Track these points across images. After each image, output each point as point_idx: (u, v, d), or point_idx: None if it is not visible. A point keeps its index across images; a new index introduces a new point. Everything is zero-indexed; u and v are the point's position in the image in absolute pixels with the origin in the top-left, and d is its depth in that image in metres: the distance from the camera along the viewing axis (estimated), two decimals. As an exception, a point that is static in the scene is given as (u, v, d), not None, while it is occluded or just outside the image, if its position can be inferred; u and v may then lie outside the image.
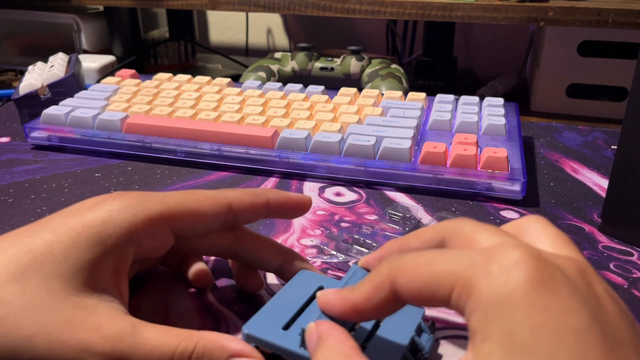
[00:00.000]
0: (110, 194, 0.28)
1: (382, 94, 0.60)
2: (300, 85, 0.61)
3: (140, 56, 0.86)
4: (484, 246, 0.22)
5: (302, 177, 0.49)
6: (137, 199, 0.28)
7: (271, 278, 0.35)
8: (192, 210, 0.29)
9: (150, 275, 0.34)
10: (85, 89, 0.62)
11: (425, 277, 0.22)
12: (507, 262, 0.20)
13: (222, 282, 0.35)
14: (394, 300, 0.23)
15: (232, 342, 0.25)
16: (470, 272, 0.20)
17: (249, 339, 0.26)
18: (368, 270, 0.27)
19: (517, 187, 0.45)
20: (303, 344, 0.24)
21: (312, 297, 0.28)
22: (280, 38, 1.06)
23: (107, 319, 0.24)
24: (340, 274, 0.36)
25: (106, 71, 0.76)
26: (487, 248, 0.21)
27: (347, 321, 0.25)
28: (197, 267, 0.33)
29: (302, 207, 0.32)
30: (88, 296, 0.25)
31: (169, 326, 0.25)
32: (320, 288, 0.29)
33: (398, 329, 0.27)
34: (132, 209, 0.27)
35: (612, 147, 0.57)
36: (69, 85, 0.61)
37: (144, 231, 0.27)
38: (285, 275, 0.32)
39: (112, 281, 0.26)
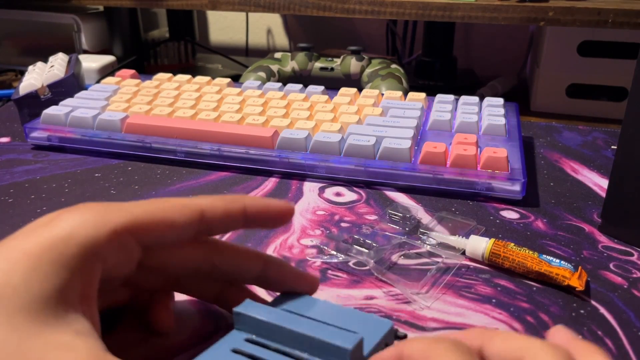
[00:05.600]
0: (68, 207, 0.24)
1: (382, 94, 0.60)
2: (300, 86, 0.61)
3: (140, 56, 0.86)
4: None
5: (302, 177, 0.49)
6: (98, 211, 0.24)
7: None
8: (159, 219, 0.26)
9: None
10: (85, 89, 0.62)
11: None
12: None
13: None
14: None
15: None
16: None
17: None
18: None
19: (517, 187, 0.45)
20: None
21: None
22: (280, 38, 1.06)
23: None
24: (340, 274, 0.36)
25: (106, 71, 0.76)
26: None
27: None
28: (160, 309, 0.29)
29: (283, 216, 0.29)
30: (60, 331, 0.21)
31: None
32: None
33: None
34: (93, 223, 0.24)
35: (612, 147, 0.57)
36: (69, 85, 0.61)
37: (109, 246, 0.24)
38: (268, 283, 0.30)
39: (82, 308, 0.23)
